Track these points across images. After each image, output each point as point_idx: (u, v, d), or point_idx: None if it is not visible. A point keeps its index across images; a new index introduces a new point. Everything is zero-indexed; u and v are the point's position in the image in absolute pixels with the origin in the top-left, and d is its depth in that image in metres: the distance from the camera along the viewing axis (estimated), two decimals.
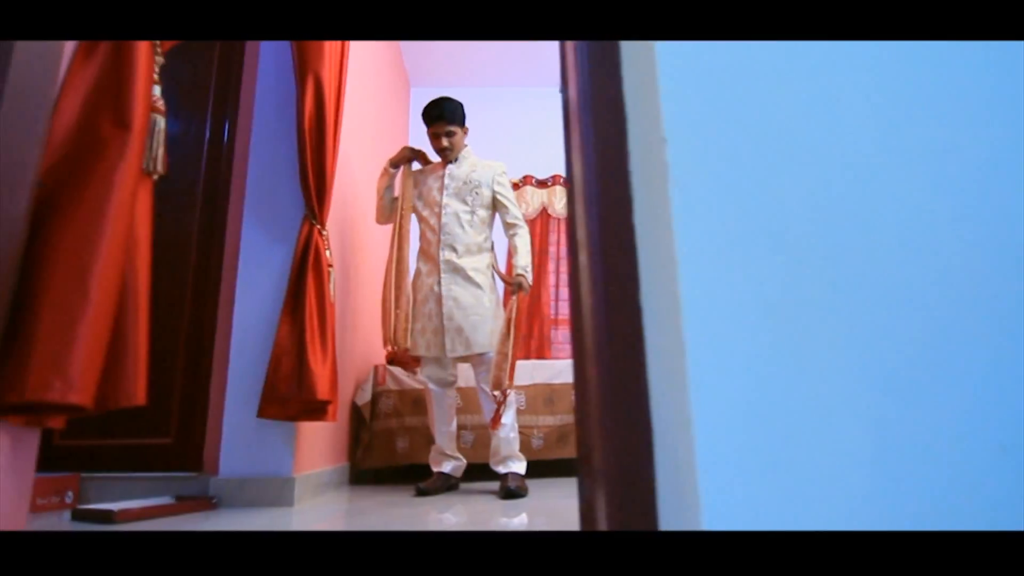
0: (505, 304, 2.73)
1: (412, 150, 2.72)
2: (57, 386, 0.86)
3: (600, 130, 0.83)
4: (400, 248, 2.59)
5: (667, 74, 0.65)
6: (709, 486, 0.55)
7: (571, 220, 0.95)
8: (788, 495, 0.55)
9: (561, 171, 4.78)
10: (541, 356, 4.37)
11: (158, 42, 1.19)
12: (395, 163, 2.68)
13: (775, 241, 0.60)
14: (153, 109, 1.11)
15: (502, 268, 2.94)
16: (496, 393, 2.45)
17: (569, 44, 0.97)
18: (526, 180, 4.70)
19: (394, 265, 2.56)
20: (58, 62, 0.99)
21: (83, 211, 0.92)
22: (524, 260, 2.59)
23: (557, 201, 4.71)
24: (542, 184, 4.75)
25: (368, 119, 3.50)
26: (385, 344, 2.54)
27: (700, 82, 0.65)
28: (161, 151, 1.13)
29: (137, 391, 1.02)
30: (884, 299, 0.58)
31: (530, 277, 2.60)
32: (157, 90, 1.18)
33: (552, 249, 4.66)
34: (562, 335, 4.68)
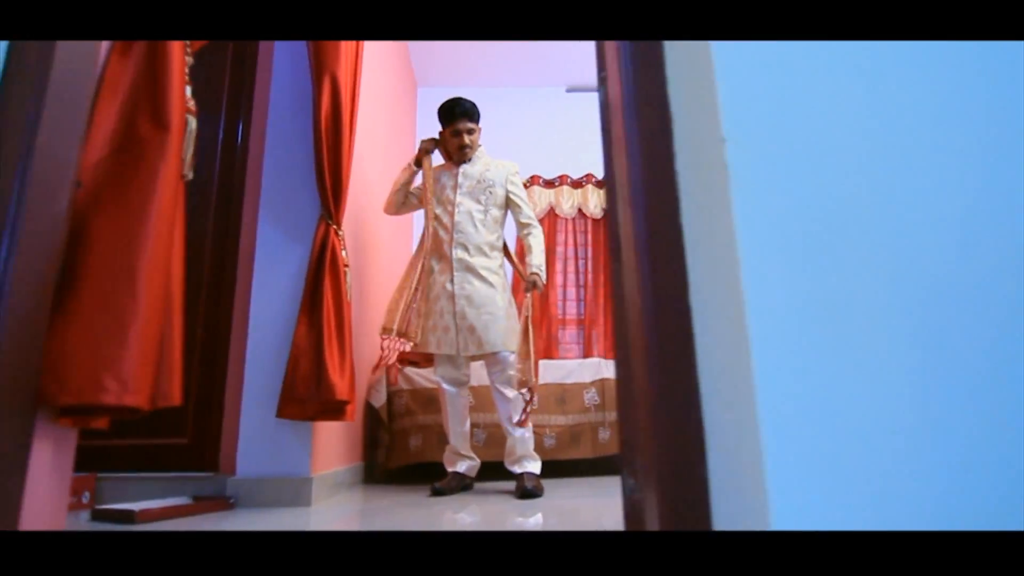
0: (517, 303, 2.73)
1: (433, 141, 2.70)
2: (113, 388, 0.86)
3: (645, 129, 0.83)
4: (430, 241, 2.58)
5: (725, 74, 0.65)
6: (778, 486, 0.55)
7: (612, 219, 0.95)
8: (857, 494, 0.55)
9: (568, 171, 4.78)
10: (549, 356, 4.37)
11: (188, 42, 1.19)
12: (419, 161, 2.68)
13: (838, 241, 0.60)
14: (187, 110, 1.11)
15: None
16: (523, 392, 2.46)
17: (609, 43, 0.97)
18: (533, 180, 4.71)
19: (421, 260, 2.56)
20: (95, 62, 0.99)
21: (128, 212, 0.92)
22: (539, 259, 2.60)
23: (564, 201, 4.72)
24: (549, 184, 4.75)
25: (380, 119, 3.50)
26: (383, 333, 2.50)
27: (759, 82, 0.65)
28: (191, 153, 1.13)
29: (173, 392, 1.02)
30: (950, 299, 0.58)
31: (544, 275, 2.61)
32: (188, 90, 1.18)
33: (560, 249, 4.66)
34: (569, 335, 4.68)
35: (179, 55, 1.10)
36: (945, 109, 0.63)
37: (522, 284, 2.68)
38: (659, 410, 0.74)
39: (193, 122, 1.13)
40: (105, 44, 1.07)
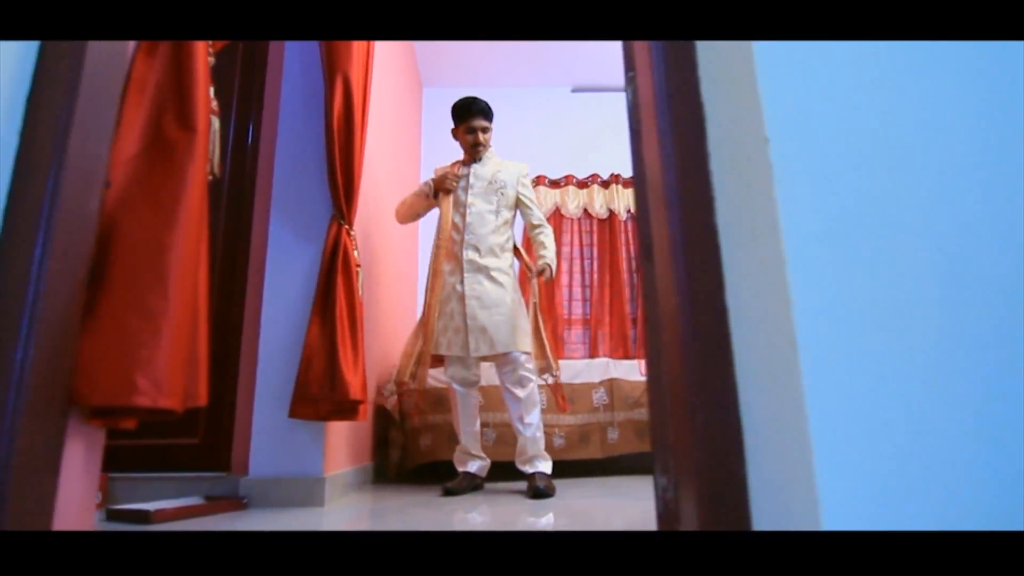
0: (524, 294, 2.73)
1: (455, 177, 2.66)
2: (147, 390, 0.86)
3: (678, 130, 0.83)
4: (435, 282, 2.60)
5: (768, 74, 0.65)
6: (829, 485, 0.55)
7: (642, 219, 0.95)
8: (907, 495, 0.55)
9: (573, 171, 4.78)
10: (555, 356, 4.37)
11: (210, 42, 1.19)
12: (436, 194, 2.66)
13: (887, 241, 0.60)
14: (210, 111, 1.11)
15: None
16: (547, 377, 2.55)
17: (638, 43, 0.97)
18: (539, 180, 4.71)
19: (429, 299, 2.59)
20: (124, 62, 0.99)
21: (158, 213, 0.92)
22: (551, 254, 2.63)
23: (570, 201, 4.72)
24: (555, 184, 4.75)
25: (388, 119, 3.50)
26: (397, 378, 2.61)
27: (803, 83, 0.65)
28: (217, 154, 1.13)
29: (200, 392, 1.02)
30: (1001, 299, 0.58)
31: (554, 267, 2.62)
32: (211, 91, 1.18)
33: (565, 249, 4.66)
34: (575, 335, 4.68)
35: (203, 55, 1.10)
36: (996, 107, 0.63)
37: (528, 277, 2.68)
38: (696, 410, 0.74)
39: (216, 123, 1.14)
40: (131, 44, 1.07)
